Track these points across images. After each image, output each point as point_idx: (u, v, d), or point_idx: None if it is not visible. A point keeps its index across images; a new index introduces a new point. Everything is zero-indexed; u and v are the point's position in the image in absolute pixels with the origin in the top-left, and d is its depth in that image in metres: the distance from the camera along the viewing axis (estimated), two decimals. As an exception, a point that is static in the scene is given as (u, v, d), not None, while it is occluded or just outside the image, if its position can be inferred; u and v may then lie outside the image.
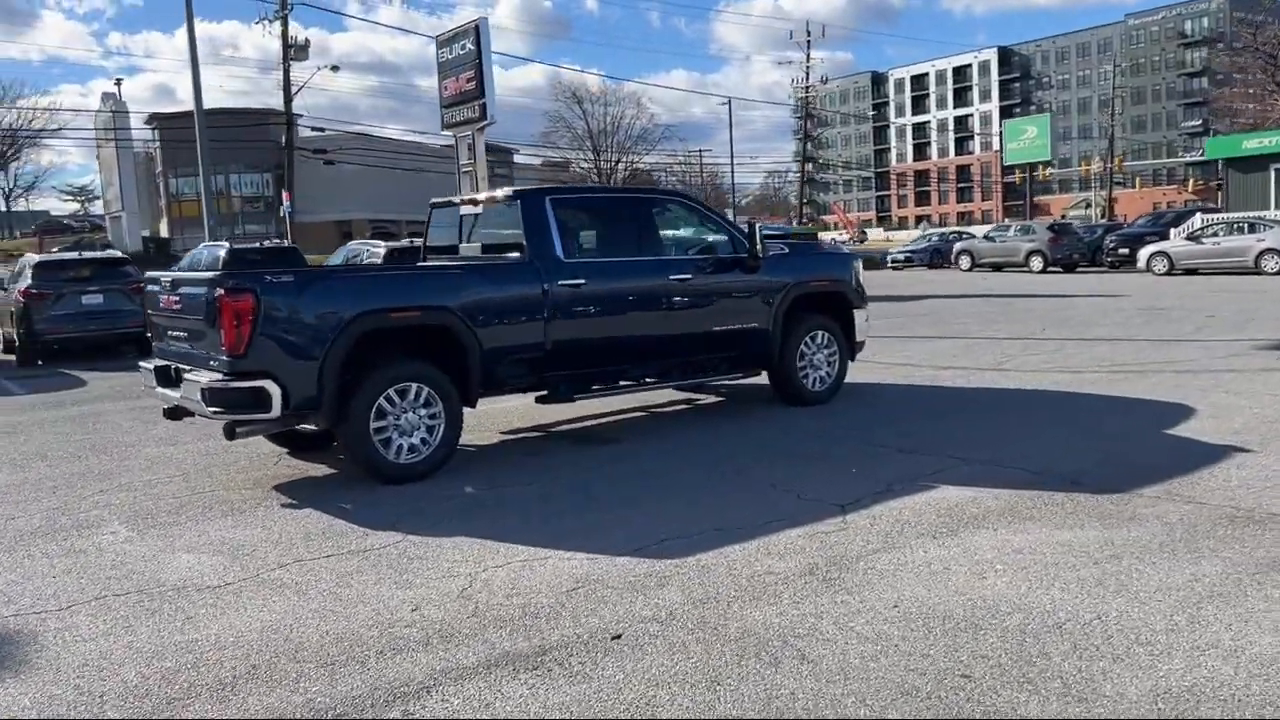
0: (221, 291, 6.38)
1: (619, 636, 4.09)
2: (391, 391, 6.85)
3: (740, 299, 8.69)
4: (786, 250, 9.24)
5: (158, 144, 74.19)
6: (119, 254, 19.09)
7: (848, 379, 10.45)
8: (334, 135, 68.27)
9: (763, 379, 9.30)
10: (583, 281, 7.74)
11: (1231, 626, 3.92)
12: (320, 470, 7.51)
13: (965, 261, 36.00)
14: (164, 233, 73.98)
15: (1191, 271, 27.97)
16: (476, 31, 26.15)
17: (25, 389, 13.11)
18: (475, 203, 8.55)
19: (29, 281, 16.06)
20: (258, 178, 73.71)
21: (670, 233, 8.85)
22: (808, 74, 65.42)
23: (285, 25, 45.93)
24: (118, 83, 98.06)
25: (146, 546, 5.67)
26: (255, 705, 3.59)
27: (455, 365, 7.18)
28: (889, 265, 41.32)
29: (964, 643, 3.89)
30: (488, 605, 4.51)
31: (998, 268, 34.64)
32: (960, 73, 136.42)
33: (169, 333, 7.34)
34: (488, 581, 4.83)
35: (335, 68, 48.16)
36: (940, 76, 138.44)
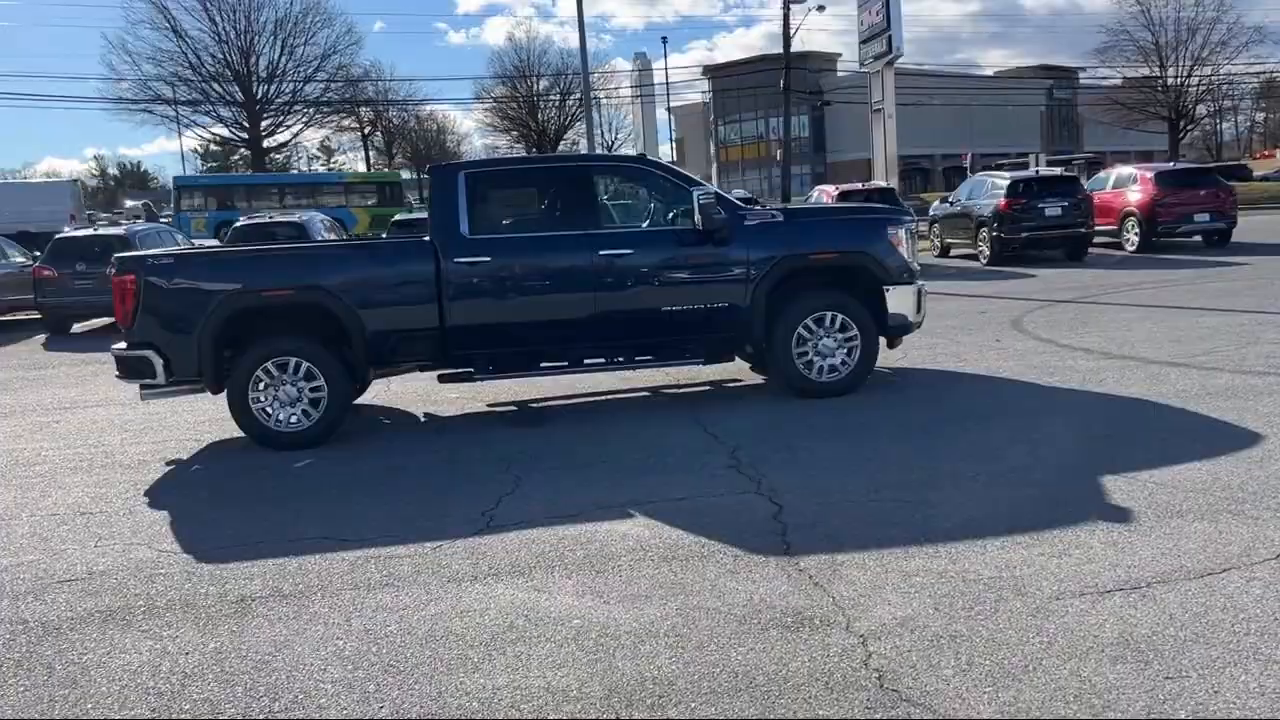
0: (113, 270, 7.36)
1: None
2: (270, 364, 7.35)
3: (704, 275, 7.73)
4: (779, 217, 7.95)
5: (710, 94, 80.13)
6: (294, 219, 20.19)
7: (933, 364, 9.03)
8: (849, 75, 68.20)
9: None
10: (487, 259, 7.51)
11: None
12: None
13: None
14: (714, 177, 79.93)
15: None
16: (884, -39, 24.75)
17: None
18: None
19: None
20: (795, 120, 75.95)
21: (627, 203, 8.11)
22: None
23: (785, -30, 46.67)
24: (664, 40, 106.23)
25: None
26: None
27: (339, 342, 7.46)
28: None
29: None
30: (-9, 583, 4.92)
31: None
32: None
33: None
34: (47, 559, 5.21)
35: (821, 8, 47.26)
36: None
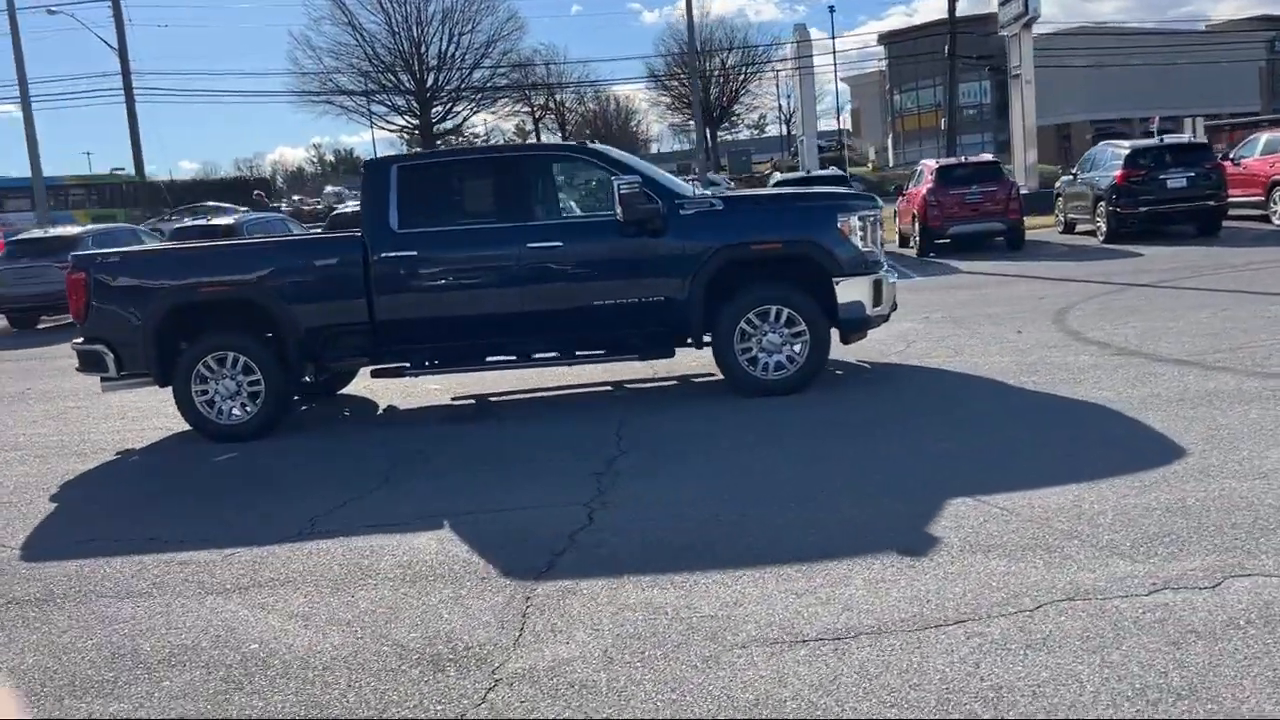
0: (68, 268, 7.70)
1: None
2: (210, 359, 7.53)
3: (638, 267, 7.39)
4: (719, 205, 7.47)
5: (886, 61, 77.24)
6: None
7: (925, 358, 8.58)
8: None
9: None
10: (414, 253, 7.42)
11: None
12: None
13: None
14: (889, 148, 77.35)
15: None
16: (1019, -86, 23.11)
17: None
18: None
19: None
20: (975, 86, 72.44)
21: (570, 193, 7.81)
22: None
23: (948, -70, 44.36)
24: (831, 9, 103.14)
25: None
26: None
27: (273, 337, 7.56)
28: None
29: None
30: None
31: None
32: None
33: None
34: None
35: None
36: None
